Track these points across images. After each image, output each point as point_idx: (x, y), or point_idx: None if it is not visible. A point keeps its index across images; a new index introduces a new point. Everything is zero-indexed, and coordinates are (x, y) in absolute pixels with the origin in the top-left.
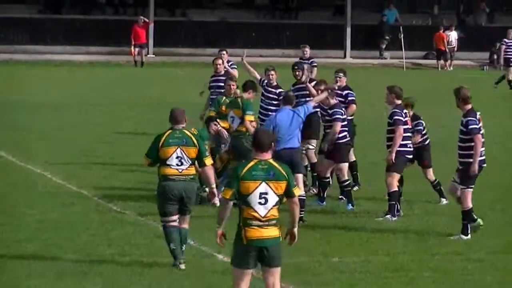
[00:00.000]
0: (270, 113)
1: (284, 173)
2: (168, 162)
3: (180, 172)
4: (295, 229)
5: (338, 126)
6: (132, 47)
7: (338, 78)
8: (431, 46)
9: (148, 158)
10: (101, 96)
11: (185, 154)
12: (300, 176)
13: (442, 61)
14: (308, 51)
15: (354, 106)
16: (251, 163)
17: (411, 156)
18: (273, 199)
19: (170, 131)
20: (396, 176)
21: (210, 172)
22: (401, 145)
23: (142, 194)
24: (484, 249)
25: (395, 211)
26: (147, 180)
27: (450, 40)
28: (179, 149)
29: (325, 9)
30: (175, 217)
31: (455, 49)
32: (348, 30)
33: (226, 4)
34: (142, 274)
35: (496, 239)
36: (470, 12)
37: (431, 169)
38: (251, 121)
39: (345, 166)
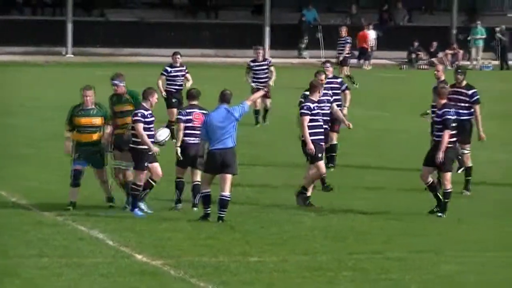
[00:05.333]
0: None
1: None
2: None
3: None
4: None
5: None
6: None
7: (326, 68)
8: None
9: None
10: (21, 97)
11: None
12: (229, 177)
13: (362, 60)
14: (261, 52)
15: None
16: None
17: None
18: None
19: None
20: None
21: None
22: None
23: (61, 195)
24: (404, 248)
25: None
26: (66, 180)
27: (369, 39)
28: None
29: (245, 8)
30: None
31: (374, 48)
32: (267, 29)
33: (144, 4)
34: (60, 275)
35: (417, 238)
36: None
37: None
38: None
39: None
